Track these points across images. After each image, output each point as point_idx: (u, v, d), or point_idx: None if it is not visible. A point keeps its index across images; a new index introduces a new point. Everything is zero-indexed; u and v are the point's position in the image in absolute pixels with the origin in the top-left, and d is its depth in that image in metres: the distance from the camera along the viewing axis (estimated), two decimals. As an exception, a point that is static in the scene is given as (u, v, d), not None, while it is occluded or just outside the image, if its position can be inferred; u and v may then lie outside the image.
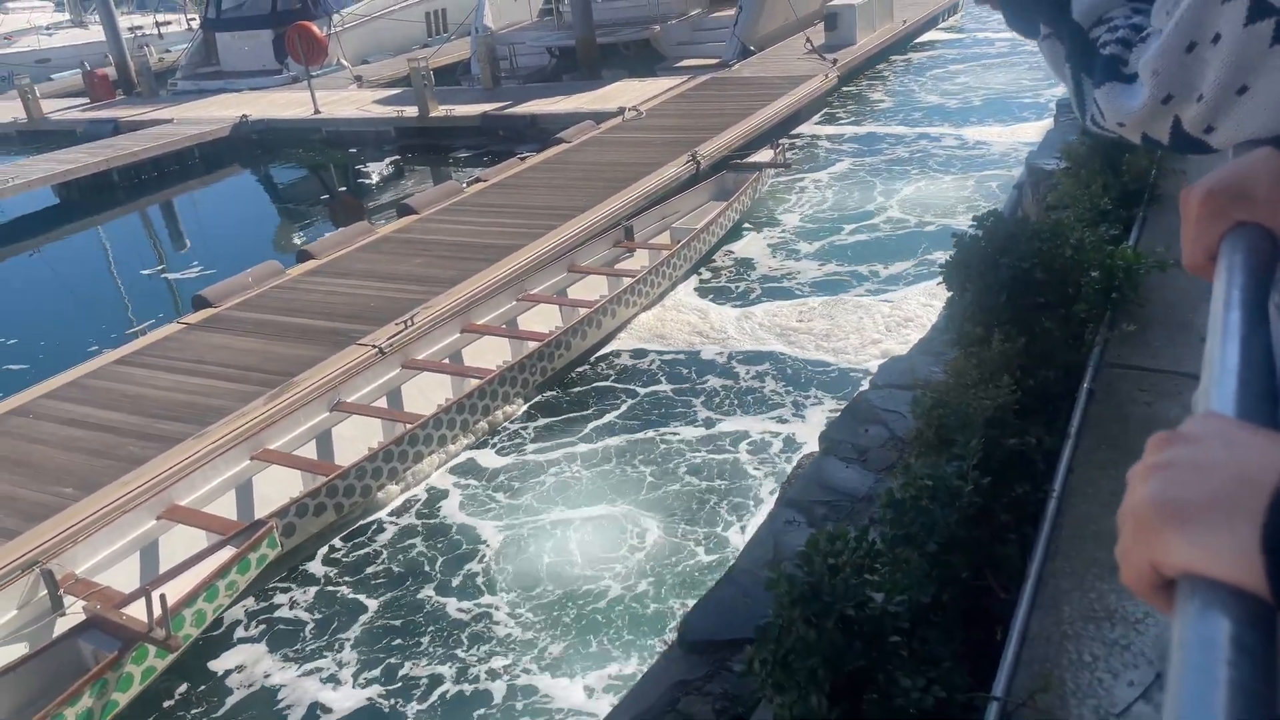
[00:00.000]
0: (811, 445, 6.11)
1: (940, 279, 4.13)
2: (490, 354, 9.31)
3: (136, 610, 5.44)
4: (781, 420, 8.15)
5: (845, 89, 19.01)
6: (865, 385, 5.73)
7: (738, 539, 6.40)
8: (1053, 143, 8.48)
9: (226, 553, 6.04)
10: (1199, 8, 0.93)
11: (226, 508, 7.17)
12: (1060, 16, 1.22)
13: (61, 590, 5.92)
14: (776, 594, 2.43)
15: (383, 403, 8.50)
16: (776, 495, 4.73)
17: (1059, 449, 3.22)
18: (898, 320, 9.46)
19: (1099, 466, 3.27)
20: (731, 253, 12.02)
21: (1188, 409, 0.64)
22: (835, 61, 18.85)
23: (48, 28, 33.25)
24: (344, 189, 18.19)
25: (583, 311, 9.45)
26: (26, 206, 17.91)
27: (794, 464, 6.08)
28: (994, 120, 15.74)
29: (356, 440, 8.06)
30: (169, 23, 32.26)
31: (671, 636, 4.85)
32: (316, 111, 19.81)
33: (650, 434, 8.18)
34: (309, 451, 7.88)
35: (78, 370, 8.87)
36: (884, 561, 2.60)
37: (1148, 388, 3.82)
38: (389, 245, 11.56)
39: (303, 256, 11.36)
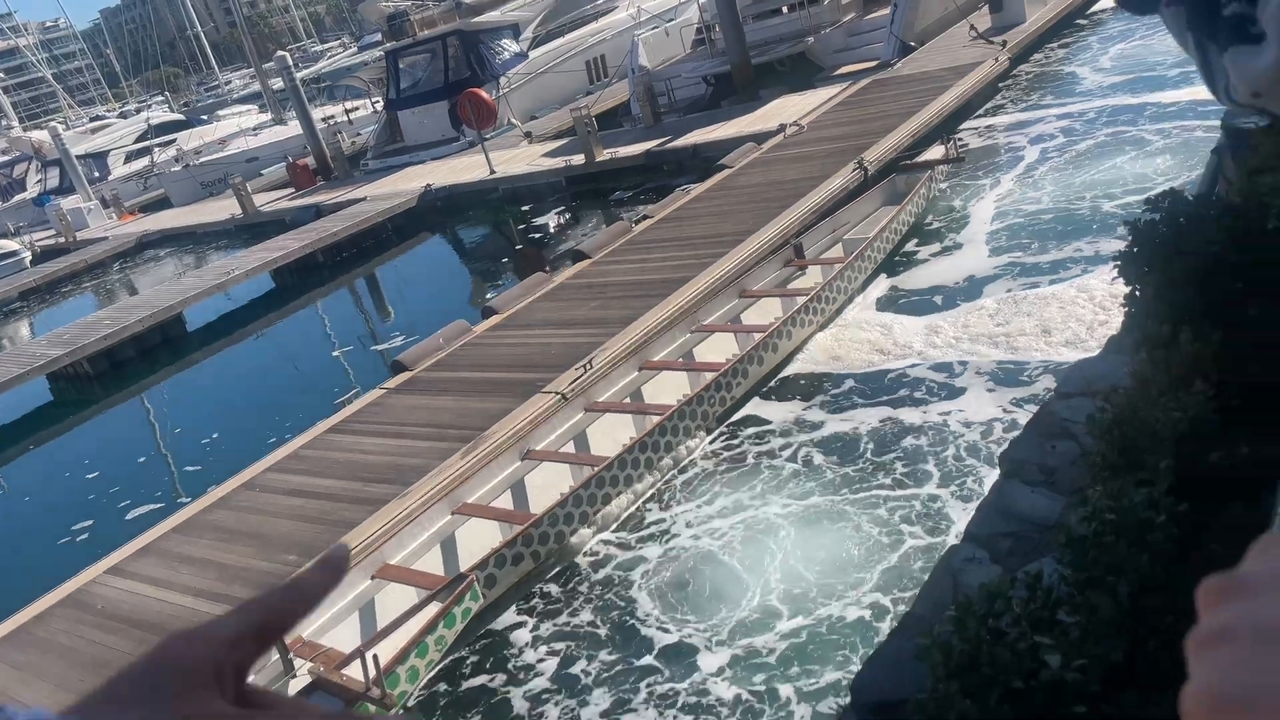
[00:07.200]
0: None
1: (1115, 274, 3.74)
2: (669, 389, 9.34)
3: (355, 670, 5.75)
4: (979, 445, 7.70)
5: (1018, 71, 18.03)
6: (1046, 398, 5.31)
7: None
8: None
9: (433, 608, 6.29)
10: None
11: (432, 563, 7.49)
12: None
13: (291, 653, 6.35)
14: (931, 665, 2.20)
15: (570, 448, 8.67)
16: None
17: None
18: (1099, 313, 8.78)
19: (1338, 465, 2.83)
20: (911, 258, 11.57)
21: None
22: (1004, 44, 17.93)
23: (254, 129, 36.59)
24: (520, 245, 18.90)
25: (757, 337, 9.32)
26: (250, 293, 19.68)
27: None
28: (1189, 83, 14.41)
29: (548, 487, 8.25)
30: (356, 108, 34.76)
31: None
32: (492, 172, 20.74)
33: (834, 464, 7.93)
34: (504, 502, 8.14)
35: (295, 442, 9.56)
36: (1069, 609, 2.29)
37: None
38: (565, 292, 11.87)
39: (487, 312, 11.83)
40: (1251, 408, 3.22)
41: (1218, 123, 10.70)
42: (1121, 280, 3.80)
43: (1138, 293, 3.68)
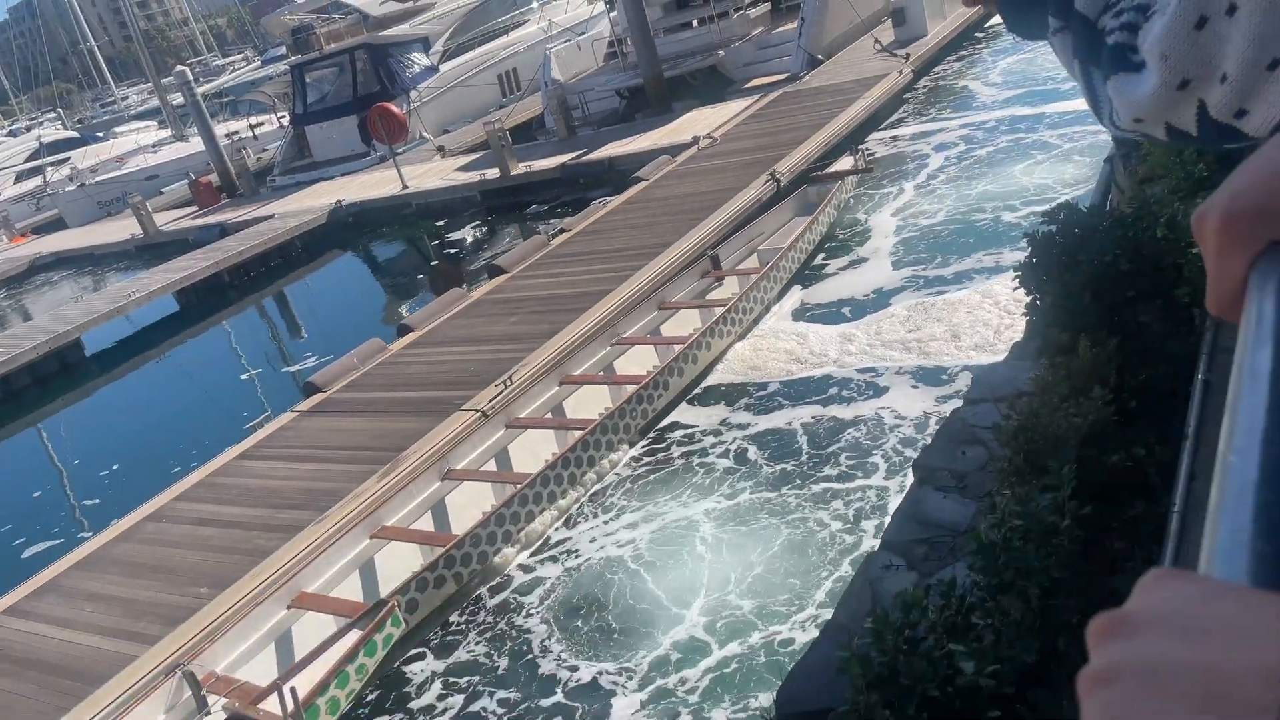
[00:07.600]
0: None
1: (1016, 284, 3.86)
2: (591, 403, 9.30)
3: (273, 704, 5.55)
4: (899, 447, 7.84)
5: (921, 84, 18.53)
6: (959, 402, 5.44)
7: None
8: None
9: (353, 636, 6.12)
10: None
11: (351, 590, 7.30)
12: (1066, 7, 1.11)
13: (204, 690, 6.10)
14: (851, 677, 2.21)
15: (491, 466, 8.56)
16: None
17: (1175, 457, 2.91)
18: (1005, 317, 9.04)
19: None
20: (821, 269, 11.76)
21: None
22: (908, 57, 18.41)
23: (153, 146, 35.40)
24: (436, 261, 18.65)
25: (677, 348, 9.36)
26: (152, 316, 18.97)
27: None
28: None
29: (469, 507, 8.12)
30: (261, 123, 33.88)
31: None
32: (405, 187, 20.43)
33: (757, 471, 7.99)
34: (425, 524, 7.98)
35: (204, 469, 9.24)
36: (982, 614, 2.34)
37: None
38: (483, 308, 11.74)
39: (403, 330, 11.63)
40: (1147, 410, 3.34)
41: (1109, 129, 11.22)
42: (1023, 290, 3.91)
43: (1038, 302, 3.79)
